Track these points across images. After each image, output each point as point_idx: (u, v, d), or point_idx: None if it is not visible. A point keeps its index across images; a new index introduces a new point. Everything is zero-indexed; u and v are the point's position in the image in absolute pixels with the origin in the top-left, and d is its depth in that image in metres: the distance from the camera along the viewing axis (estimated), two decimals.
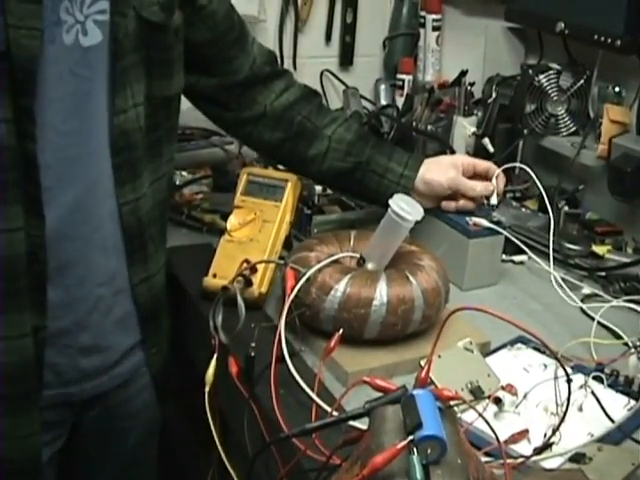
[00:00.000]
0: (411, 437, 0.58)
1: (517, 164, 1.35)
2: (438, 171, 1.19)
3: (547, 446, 0.78)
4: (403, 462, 0.58)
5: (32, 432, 0.94)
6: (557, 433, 0.78)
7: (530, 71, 1.44)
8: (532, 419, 0.84)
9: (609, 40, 1.29)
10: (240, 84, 1.17)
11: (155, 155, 1.00)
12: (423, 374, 0.69)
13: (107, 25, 0.89)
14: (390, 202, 1.01)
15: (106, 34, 0.89)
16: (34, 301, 0.90)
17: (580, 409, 0.87)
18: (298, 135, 1.20)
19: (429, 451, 0.58)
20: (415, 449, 0.58)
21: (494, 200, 1.20)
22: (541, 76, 1.43)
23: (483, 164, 1.22)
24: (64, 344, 0.95)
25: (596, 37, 1.32)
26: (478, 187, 1.19)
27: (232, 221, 1.10)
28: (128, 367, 1.05)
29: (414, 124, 1.55)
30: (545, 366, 0.94)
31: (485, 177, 1.22)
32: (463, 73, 1.54)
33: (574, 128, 1.46)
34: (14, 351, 0.89)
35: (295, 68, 1.79)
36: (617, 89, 1.37)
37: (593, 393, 0.87)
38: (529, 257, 1.23)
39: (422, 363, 0.91)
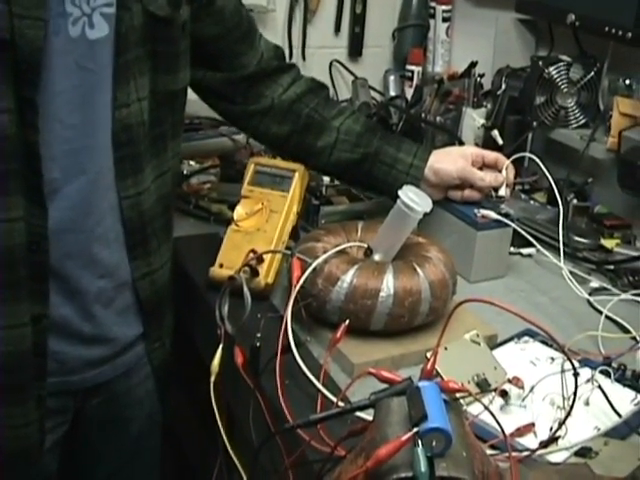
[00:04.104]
0: (416, 429, 0.58)
1: (526, 154, 1.34)
2: (447, 161, 1.19)
3: (553, 440, 0.78)
4: (408, 454, 0.58)
5: (27, 422, 0.93)
6: (563, 427, 0.77)
7: (540, 63, 1.43)
8: (538, 412, 0.83)
9: (620, 32, 1.28)
10: (247, 79, 1.16)
11: (159, 150, 0.99)
12: (429, 366, 0.69)
13: (113, 18, 0.88)
14: (399, 193, 1.01)
15: (112, 27, 0.88)
16: (34, 291, 0.89)
17: (587, 403, 0.86)
18: (306, 127, 1.19)
19: (434, 443, 0.57)
20: (420, 441, 0.57)
21: (503, 192, 1.20)
22: (551, 68, 1.42)
23: (492, 155, 1.22)
24: (67, 333, 0.95)
25: (607, 29, 1.30)
26: (487, 177, 1.19)
27: (239, 211, 1.10)
28: (130, 358, 1.04)
29: (423, 115, 1.54)
30: (552, 359, 0.94)
31: (494, 168, 1.21)
32: (473, 64, 1.53)
33: (584, 121, 1.45)
34: (11, 341, 0.89)
35: (304, 58, 1.79)
36: (627, 82, 1.36)
37: (600, 387, 0.86)
38: (537, 250, 1.22)
39: (428, 355, 0.91)
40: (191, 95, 1.11)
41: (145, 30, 0.91)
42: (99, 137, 0.91)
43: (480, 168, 1.21)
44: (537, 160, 1.24)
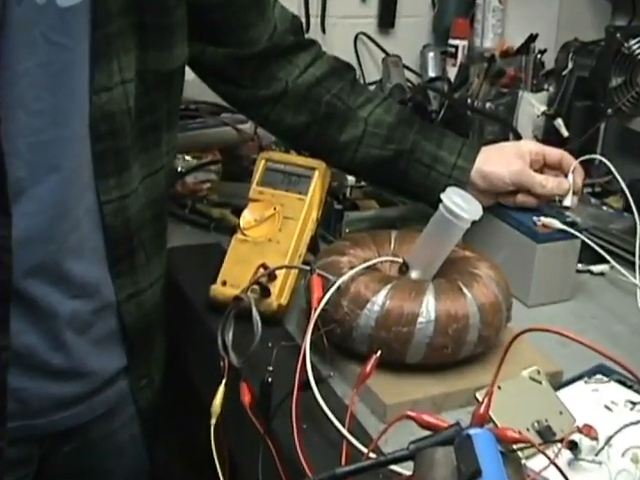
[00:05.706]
0: None
1: (596, 156, 1.33)
2: (499, 162, 1.19)
3: None
4: None
5: None
6: None
7: (617, 35, 1.43)
8: (618, 471, 0.82)
9: None
10: (256, 57, 1.17)
11: (150, 144, 1.00)
12: (482, 409, 0.69)
13: None
14: (442, 197, 1.01)
15: None
16: None
17: None
18: (327, 117, 1.20)
19: None
20: None
21: (568, 201, 1.18)
22: (632, 41, 1.42)
23: (556, 153, 1.21)
24: (31, 365, 0.94)
25: None
26: (549, 184, 1.18)
27: (246, 217, 1.10)
28: (111, 396, 1.04)
29: (469, 101, 1.54)
30: (633, 404, 0.93)
31: (557, 169, 1.21)
32: (532, 38, 1.53)
33: None
34: None
35: (324, 31, 1.80)
36: None
37: None
38: (611, 267, 1.22)
39: (478, 395, 0.90)
40: (186, 75, 1.11)
41: None
42: (74, 127, 0.91)
43: (541, 169, 1.20)
44: (608, 163, 1.23)
